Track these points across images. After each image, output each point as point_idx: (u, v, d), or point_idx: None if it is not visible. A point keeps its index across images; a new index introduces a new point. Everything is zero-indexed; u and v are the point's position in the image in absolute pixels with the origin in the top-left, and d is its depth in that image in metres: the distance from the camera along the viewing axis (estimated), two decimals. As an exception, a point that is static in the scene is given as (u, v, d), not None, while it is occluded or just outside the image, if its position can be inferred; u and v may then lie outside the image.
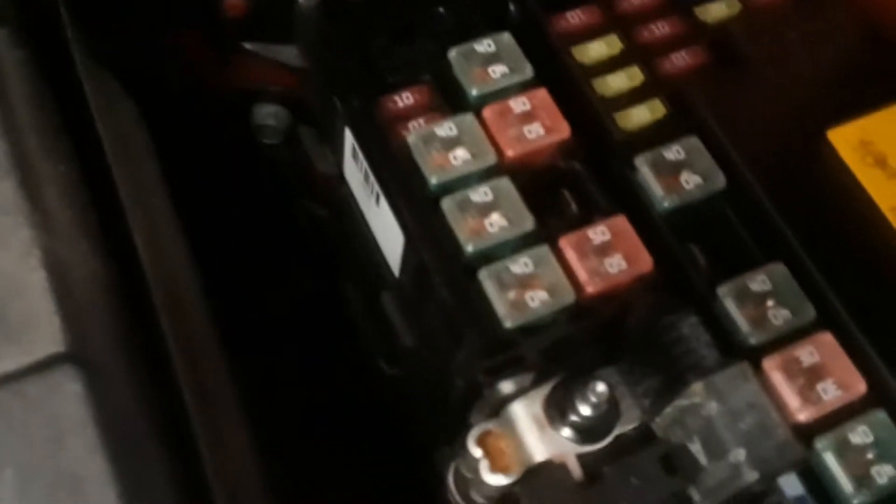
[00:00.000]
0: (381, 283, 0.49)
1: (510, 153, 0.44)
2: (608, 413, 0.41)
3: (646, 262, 0.42)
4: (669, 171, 0.44)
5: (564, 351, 0.42)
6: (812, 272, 0.42)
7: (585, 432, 0.41)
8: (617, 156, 0.45)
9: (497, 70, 0.46)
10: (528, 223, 0.42)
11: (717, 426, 0.39)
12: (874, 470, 0.39)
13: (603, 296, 0.42)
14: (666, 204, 0.44)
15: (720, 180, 0.44)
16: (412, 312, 0.47)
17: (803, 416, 0.40)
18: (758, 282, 0.42)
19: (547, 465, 0.40)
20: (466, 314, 0.41)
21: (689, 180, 0.44)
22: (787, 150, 0.45)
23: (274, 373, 0.55)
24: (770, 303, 0.42)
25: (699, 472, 0.40)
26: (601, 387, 0.40)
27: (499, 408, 0.42)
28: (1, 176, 0.37)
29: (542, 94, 0.46)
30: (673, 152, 0.44)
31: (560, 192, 0.46)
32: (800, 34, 0.48)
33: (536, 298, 0.41)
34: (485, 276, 0.41)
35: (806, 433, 0.40)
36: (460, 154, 0.44)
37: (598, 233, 0.42)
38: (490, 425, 0.42)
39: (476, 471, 0.40)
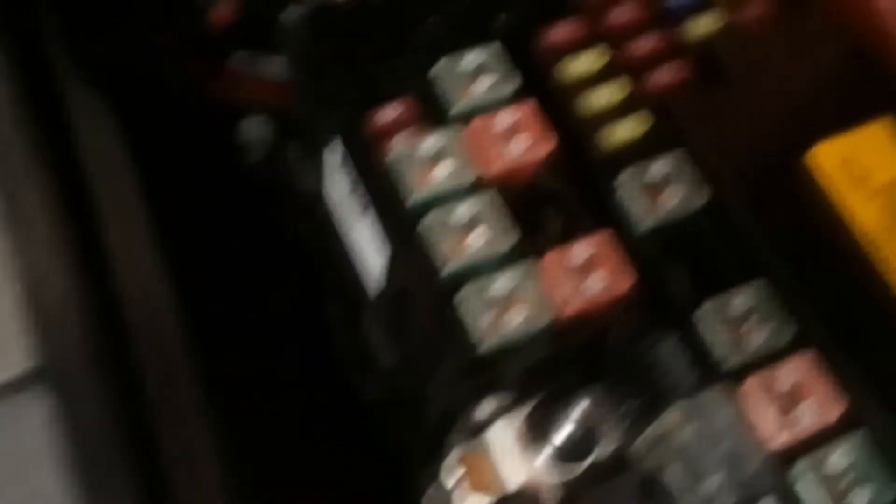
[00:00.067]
0: (361, 302, 0.49)
1: (494, 168, 0.44)
2: (587, 435, 0.41)
3: (626, 281, 0.42)
4: (652, 189, 0.44)
5: (544, 372, 0.42)
6: (792, 292, 0.42)
7: (565, 455, 0.41)
8: (600, 172, 0.45)
9: (482, 84, 0.46)
10: (508, 242, 0.42)
11: (695, 449, 0.39)
12: (854, 492, 0.39)
13: (582, 316, 0.42)
14: (647, 222, 0.43)
15: (703, 198, 0.44)
16: (392, 332, 0.47)
17: (783, 438, 0.40)
18: (737, 302, 0.42)
19: (526, 487, 0.40)
20: (445, 334, 0.41)
21: (671, 198, 0.44)
22: (769, 167, 0.45)
23: (267, 376, 0.56)
24: (750, 323, 0.42)
25: (678, 496, 0.40)
26: (580, 409, 0.40)
27: (478, 429, 0.42)
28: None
29: (527, 108, 0.45)
30: (656, 170, 0.44)
31: (543, 208, 0.45)
32: (783, 51, 0.47)
33: (515, 319, 0.41)
34: (464, 296, 0.41)
35: (785, 456, 0.40)
36: (443, 169, 0.44)
37: (577, 252, 0.42)
38: (468, 448, 0.42)
39: (455, 492, 0.40)
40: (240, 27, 0.54)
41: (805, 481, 0.39)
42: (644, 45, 0.48)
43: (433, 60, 0.47)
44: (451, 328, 0.41)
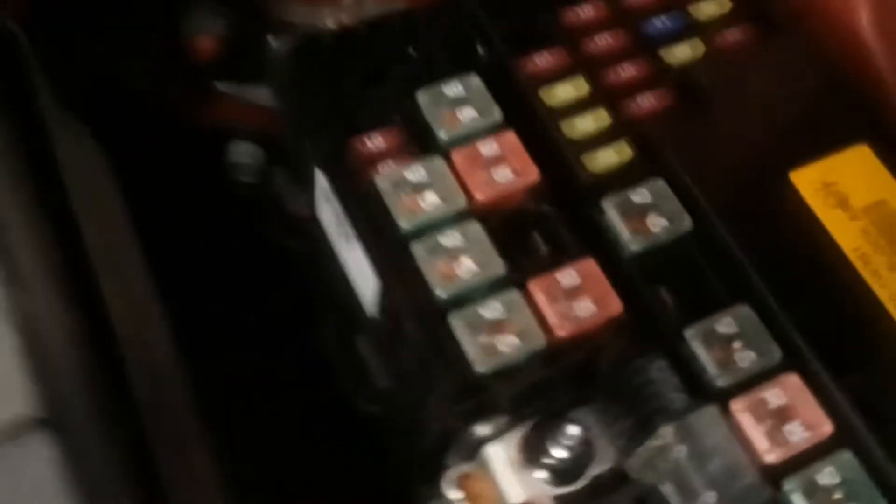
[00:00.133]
0: (355, 323, 0.49)
1: (480, 197, 0.45)
2: (582, 455, 0.42)
3: (615, 305, 0.43)
4: (636, 214, 0.45)
5: (537, 394, 0.42)
6: (777, 314, 0.43)
7: (560, 474, 0.42)
8: (584, 199, 0.45)
9: (465, 113, 0.47)
10: (498, 267, 0.43)
11: (686, 469, 0.40)
12: (841, 509, 0.40)
13: (573, 339, 0.42)
14: (633, 247, 0.44)
15: (686, 222, 0.45)
16: (386, 355, 0.47)
17: (771, 457, 0.40)
18: (724, 324, 0.43)
19: (525, 504, 0.41)
20: (438, 359, 0.41)
21: (656, 223, 0.45)
22: (751, 191, 0.46)
23: (267, 399, 0.56)
24: (737, 345, 0.42)
25: (671, 515, 0.40)
26: (574, 429, 0.41)
27: (474, 449, 0.43)
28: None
29: (510, 136, 0.46)
30: (639, 195, 0.45)
31: (530, 234, 0.46)
32: (763, 76, 0.48)
33: (507, 343, 0.41)
34: (456, 321, 0.42)
35: (774, 475, 0.40)
36: (430, 198, 0.44)
37: (567, 276, 0.43)
38: (466, 467, 0.42)
39: (458, 508, 0.41)
40: (224, 57, 0.55)
41: (794, 499, 0.40)
42: (624, 72, 0.49)
43: (415, 90, 0.47)
44: (446, 352, 0.41)
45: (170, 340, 0.44)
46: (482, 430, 0.42)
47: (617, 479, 0.42)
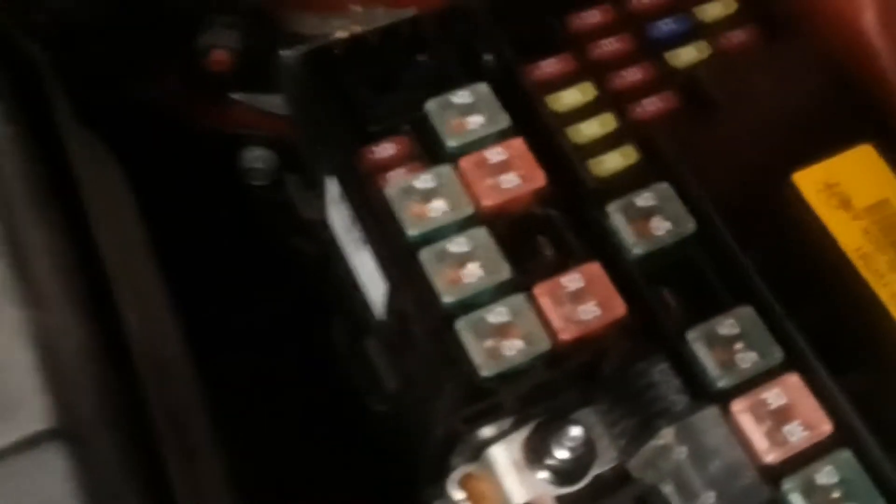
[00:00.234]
0: (365, 326, 0.50)
1: (487, 203, 0.45)
2: (584, 455, 0.42)
3: (619, 308, 0.43)
4: (641, 218, 0.45)
5: (541, 396, 0.43)
6: (779, 315, 0.43)
7: (563, 474, 0.42)
8: (590, 203, 0.46)
9: (474, 120, 0.47)
10: (504, 273, 0.44)
11: (687, 469, 0.41)
12: (841, 509, 0.41)
13: (578, 342, 0.43)
14: (637, 250, 0.45)
15: (690, 225, 0.45)
16: (395, 358, 0.48)
17: (771, 457, 0.41)
18: (726, 325, 0.43)
19: (529, 504, 0.42)
20: (445, 363, 0.42)
21: (660, 226, 0.45)
22: (754, 193, 0.46)
23: (278, 405, 0.57)
24: (738, 346, 0.43)
25: (672, 514, 0.41)
26: (577, 431, 0.42)
27: (479, 451, 0.44)
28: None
29: (518, 143, 0.47)
30: (644, 199, 0.46)
31: (536, 239, 0.47)
32: (766, 78, 0.49)
33: (513, 347, 0.42)
34: (462, 326, 0.42)
35: (773, 475, 0.41)
36: (438, 205, 0.45)
37: (571, 280, 0.44)
38: (470, 468, 0.43)
39: (462, 507, 0.42)
40: (239, 69, 0.56)
41: (793, 499, 0.41)
42: (630, 76, 0.50)
43: (424, 98, 0.48)
44: (452, 356, 0.42)
45: (185, 353, 0.45)
46: (487, 430, 0.43)
47: (619, 479, 0.43)
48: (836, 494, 0.41)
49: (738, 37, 0.51)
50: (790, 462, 0.41)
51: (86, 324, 0.38)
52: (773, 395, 0.42)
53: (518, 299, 0.43)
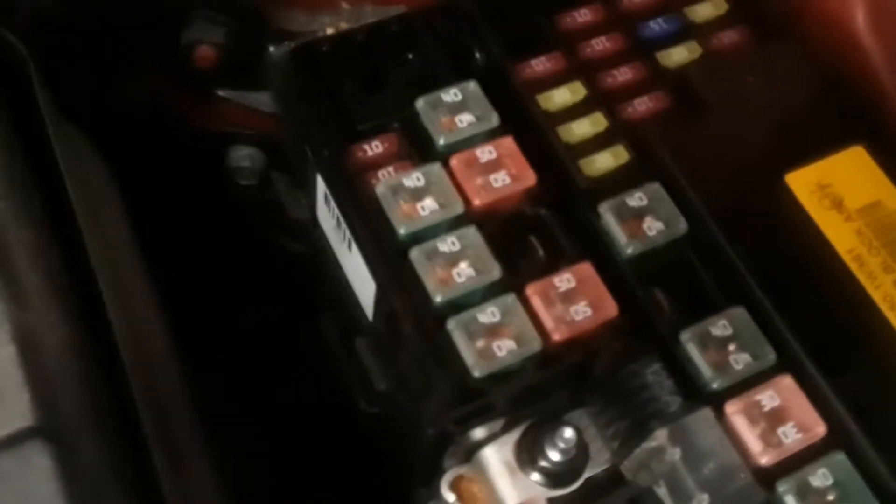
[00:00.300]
0: (356, 325, 0.50)
1: (477, 202, 0.45)
2: (577, 458, 0.42)
3: (611, 308, 0.43)
4: (633, 218, 0.45)
5: (533, 397, 0.43)
6: (772, 316, 0.43)
7: (555, 477, 0.42)
8: (581, 203, 0.46)
9: (463, 119, 0.47)
10: (494, 272, 0.43)
11: (681, 471, 0.41)
12: (835, 511, 0.40)
13: (569, 343, 0.43)
14: (629, 250, 0.45)
15: (682, 226, 0.45)
16: (385, 358, 0.48)
17: (765, 459, 0.41)
18: (719, 327, 0.43)
19: (521, 507, 0.41)
20: (436, 364, 0.42)
21: (652, 226, 0.45)
22: (747, 194, 0.46)
23: (267, 378, 0.56)
24: (731, 347, 0.43)
25: (665, 516, 0.41)
26: (569, 433, 0.41)
27: (471, 452, 0.43)
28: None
29: (507, 142, 0.46)
30: (636, 199, 0.45)
31: (527, 238, 0.46)
32: (758, 79, 0.49)
33: (504, 347, 0.42)
34: (453, 326, 0.42)
35: (767, 476, 0.41)
36: (428, 204, 0.45)
37: (563, 280, 0.43)
38: (462, 470, 0.43)
39: (455, 509, 0.41)
40: (224, 65, 0.55)
41: (787, 500, 0.41)
42: (621, 75, 0.50)
43: (413, 96, 0.48)
44: (443, 357, 0.42)
45: (171, 349, 0.45)
46: (479, 431, 0.43)
47: (612, 481, 0.42)
48: (830, 497, 0.40)
49: (729, 37, 0.51)
50: (784, 464, 0.41)
51: (69, 321, 0.38)
52: (767, 397, 0.42)
53: (509, 299, 0.43)
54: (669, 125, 0.48)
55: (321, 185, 0.48)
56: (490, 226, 0.45)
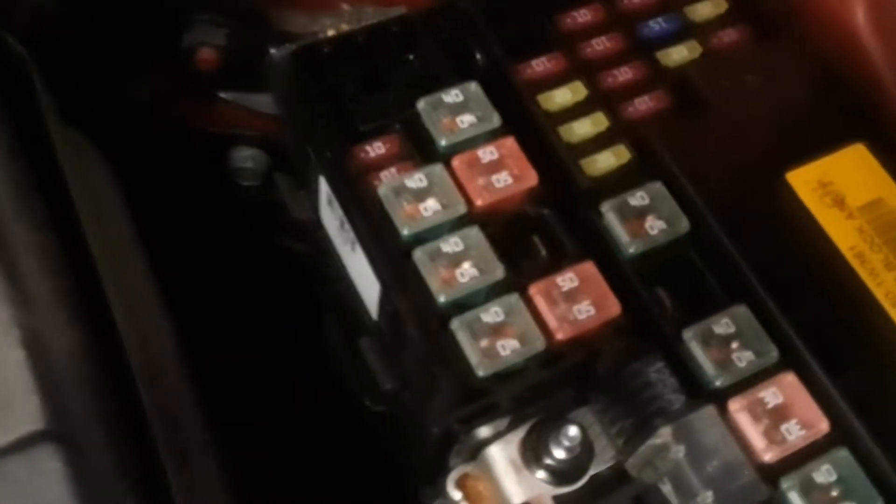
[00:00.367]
0: (360, 325, 0.50)
1: (479, 202, 0.45)
2: (582, 455, 0.42)
3: (614, 307, 0.43)
4: (634, 217, 0.45)
5: (537, 395, 0.43)
6: (774, 313, 0.43)
7: (560, 474, 0.42)
8: (583, 202, 0.46)
9: (465, 120, 0.47)
10: (498, 272, 0.43)
11: (685, 468, 0.41)
12: (839, 508, 0.41)
13: (573, 342, 0.43)
14: (632, 249, 0.45)
15: (684, 224, 0.45)
16: (390, 358, 0.48)
17: (768, 456, 0.41)
18: (722, 325, 0.43)
19: (527, 504, 0.42)
20: (440, 364, 0.42)
21: (654, 225, 0.45)
22: (748, 192, 0.46)
23: (268, 378, 0.57)
24: (734, 345, 0.43)
25: (670, 513, 0.41)
26: (574, 430, 0.42)
27: (476, 451, 0.43)
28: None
29: (509, 142, 0.46)
30: (637, 198, 0.46)
31: (530, 238, 0.46)
32: (759, 77, 0.49)
33: (508, 346, 0.42)
34: (457, 326, 0.42)
35: (771, 473, 0.41)
36: (431, 204, 0.45)
37: (566, 280, 0.43)
38: (468, 468, 0.43)
39: (461, 507, 0.41)
40: (226, 67, 0.55)
41: (792, 497, 0.41)
42: (621, 75, 0.50)
43: (414, 97, 0.48)
44: (447, 357, 0.42)
45: (177, 350, 0.45)
46: (484, 430, 0.43)
47: (616, 478, 0.42)
48: (834, 493, 0.41)
49: (729, 36, 0.51)
50: (788, 461, 0.41)
51: (77, 324, 0.38)
52: (770, 394, 0.42)
53: (512, 299, 0.43)
54: (670, 124, 0.48)
55: (324, 187, 0.48)
56: (492, 226, 0.45)
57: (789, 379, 0.42)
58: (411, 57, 0.50)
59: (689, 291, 0.45)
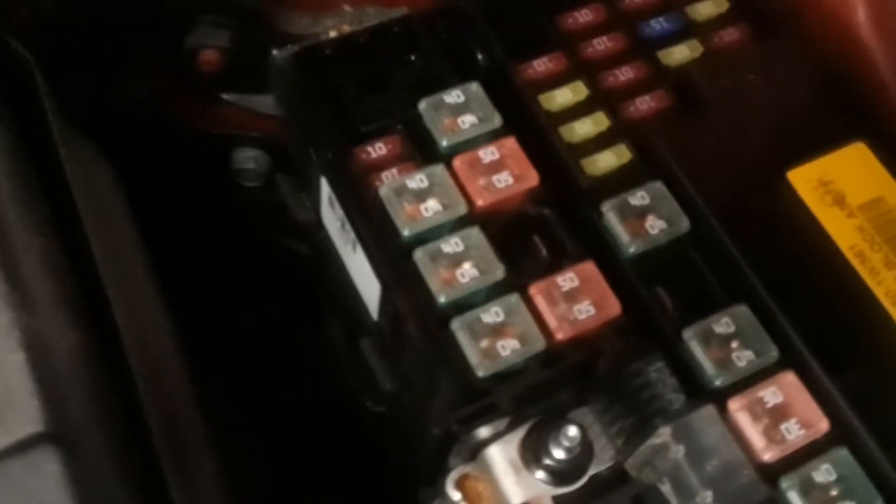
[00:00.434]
0: (361, 325, 0.50)
1: (480, 202, 0.45)
2: (581, 455, 0.42)
3: (614, 307, 0.43)
4: (635, 217, 0.45)
5: (537, 396, 0.43)
6: (774, 312, 0.43)
7: (560, 474, 0.42)
8: (584, 202, 0.46)
9: (466, 120, 0.47)
10: (498, 272, 0.43)
11: (685, 468, 0.41)
12: (838, 507, 0.41)
13: (573, 342, 0.43)
14: (632, 249, 0.45)
15: (684, 224, 0.45)
16: (390, 358, 0.48)
17: (768, 456, 0.41)
18: (722, 324, 0.43)
19: (527, 504, 0.42)
20: (440, 364, 0.42)
21: (654, 225, 0.45)
22: (749, 191, 0.46)
23: (268, 379, 0.57)
24: (734, 344, 0.43)
25: (670, 513, 0.41)
26: (573, 431, 0.42)
27: (476, 451, 0.43)
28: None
29: (510, 142, 0.47)
30: (638, 198, 0.46)
31: (530, 238, 0.46)
32: (759, 76, 0.49)
33: (508, 347, 0.42)
34: (457, 327, 0.42)
35: (771, 473, 0.41)
36: (431, 205, 0.45)
37: (566, 280, 0.43)
38: (468, 468, 0.43)
39: (460, 508, 0.42)
40: (228, 68, 0.55)
41: (791, 497, 0.41)
42: (623, 75, 0.50)
43: (416, 97, 0.48)
44: (447, 357, 0.42)
45: (178, 352, 0.45)
46: (484, 430, 0.43)
47: (616, 478, 0.42)
48: (834, 492, 0.40)
49: (730, 35, 0.51)
50: (787, 460, 0.41)
51: (77, 325, 0.38)
52: (770, 394, 0.42)
53: (513, 299, 0.43)
54: (671, 124, 0.48)
55: (325, 188, 0.48)
56: (493, 226, 0.45)
57: (789, 378, 0.42)
58: (413, 58, 0.50)
59: (690, 291, 0.45)
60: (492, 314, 0.43)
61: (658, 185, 0.46)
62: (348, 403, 0.52)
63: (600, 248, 0.45)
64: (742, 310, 0.43)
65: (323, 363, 0.55)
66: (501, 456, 0.43)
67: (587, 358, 0.43)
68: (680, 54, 0.50)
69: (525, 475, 0.42)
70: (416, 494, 0.47)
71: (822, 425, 0.42)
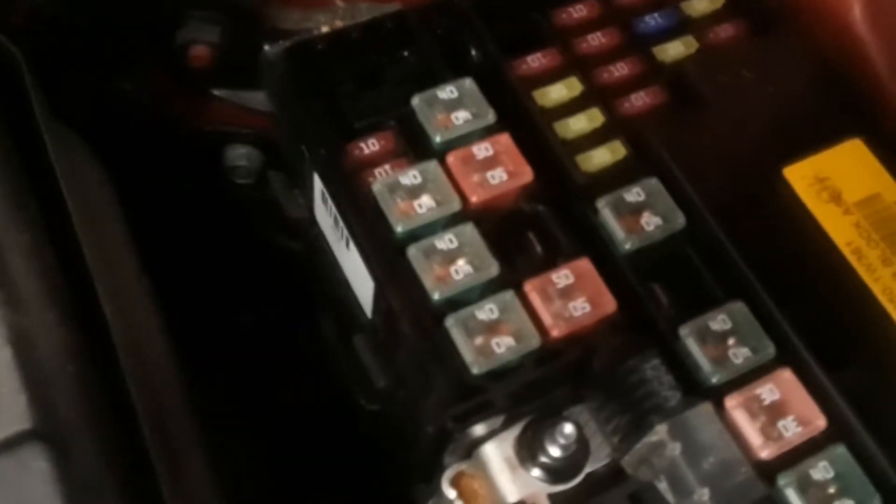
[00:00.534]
0: (354, 323, 0.50)
1: (474, 199, 0.45)
2: (577, 453, 0.42)
3: (609, 303, 0.43)
4: (630, 213, 0.45)
5: (533, 393, 0.43)
6: (771, 309, 0.43)
7: (556, 472, 0.42)
8: (579, 198, 0.46)
9: (460, 116, 0.47)
10: (492, 269, 0.43)
11: (681, 466, 0.41)
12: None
13: (568, 339, 0.43)
14: (627, 245, 0.45)
15: (680, 220, 0.45)
16: (384, 356, 0.47)
17: (765, 453, 0.41)
18: (718, 321, 0.43)
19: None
20: (434, 362, 0.42)
21: (650, 221, 0.45)
22: (745, 188, 0.46)
23: (266, 378, 0.56)
24: (731, 341, 0.43)
25: (666, 511, 0.41)
26: (569, 428, 0.41)
27: (471, 449, 0.43)
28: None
29: (504, 138, 0.46)
30: (633, 194, 0.45)
31: (525, 235, 0.46)
32: (755, 72, 0.49)
33: (503, 344, 0.42)
34: (451, 324, 0.42)
35: (768, 470, 0.41)
36: (425, 201, 0.45)
37: (561, 276, 0.43)
38: (463, 466, 0.43)
39: (455, 506, 0.41)
40: (220, 64, 0.55)
41: (788, 494, 0.40)
42: (617, 71, 0.49)
43: (409, 93, 0.47)
44: (442, 354, 0.42)
45: (168, 350, 0.45)
46: (479, 428, 0.43)
47: (612, 476, 0.42)
48: (831, 489, 0.40)
49: (725, 31, 0.51)
50: (785, 457, 0.41)
51: (66, 323, 0.38)
52: (767, 391, 0.42)
53: (507, 296, 0.43)
54: (666, 120, 0.48)
55: (318, 184, 0.48)
56: (487, 223, 0.45)
57: (786, 375, 0.42)
58: (406, 53, 0.50)
59: (686, 288, 0.45)
60: (486, 311, 0.42)
61: (653, 182, 0.46)
62: (345, 403, 0.52)
63: (595, 245, 0.45)
64: (738, 306, 0.43)
65: (321, 363, 0.54)
66: (497, 454, 0.43)
67: (583, 355, 0.43)
68: (675, 50, 0.50)
69: (521, 473, 0.42)
70: (411, 493, 0.47)
71: (820, 422, 0.41)
